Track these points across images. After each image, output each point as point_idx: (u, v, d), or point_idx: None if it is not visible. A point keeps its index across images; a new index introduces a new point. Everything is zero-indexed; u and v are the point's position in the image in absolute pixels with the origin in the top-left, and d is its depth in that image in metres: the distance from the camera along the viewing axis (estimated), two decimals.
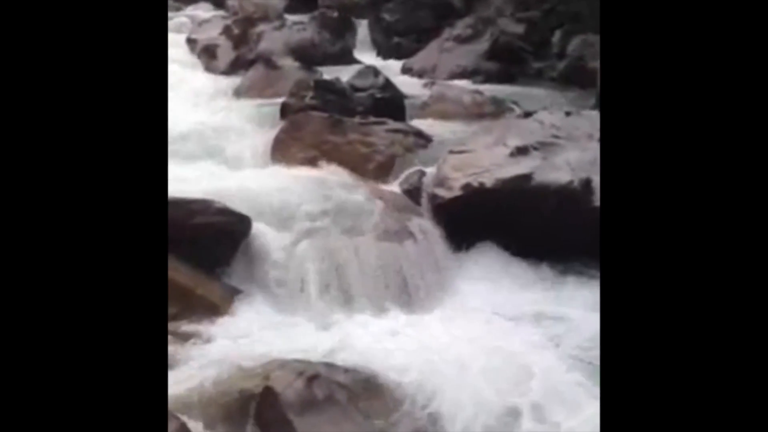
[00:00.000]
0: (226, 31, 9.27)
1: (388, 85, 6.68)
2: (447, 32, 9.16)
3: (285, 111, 6.32)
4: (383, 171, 5.31)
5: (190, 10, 12.27)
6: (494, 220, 4.54)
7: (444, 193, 4.68)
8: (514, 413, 3.14)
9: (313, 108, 6.08)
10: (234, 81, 7.89)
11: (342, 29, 9.72)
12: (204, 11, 12.01)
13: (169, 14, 9.96)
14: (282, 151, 5.60)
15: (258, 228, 4.32)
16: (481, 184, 4.62)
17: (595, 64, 7.64)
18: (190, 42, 9.50)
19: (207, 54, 8.93)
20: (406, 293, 4.13)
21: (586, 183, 4.58)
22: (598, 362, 3.45)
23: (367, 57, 9.39)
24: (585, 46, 8.31)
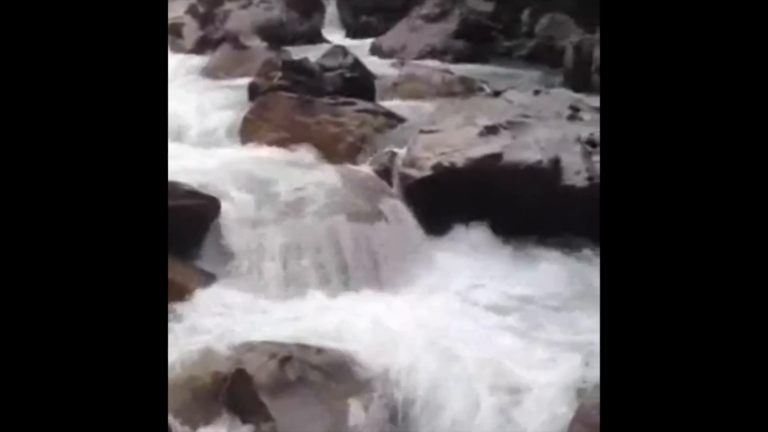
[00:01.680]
0: (192, 9, 9.12)
1: (358, 64, 6.64)
2: (415, 11, 9.12)
3: (253, 91, 6.25)
4: (353, 151, 5.28)
5: None
6: (465, 199, 4.55)
7: (415, 173, 4.68)
8: (486, 393, 3.16)
9: (282, 88, 6.02)
10: (200, 61, 7.78)
11: (310, 8, 9.63)
12: None
13: None
14: (251, 132, 5.55)
15: (227, 210, 4.28)
16: (452, 164, 4.63)
17: (564, 42, 7.68)
18: None
19: (172, 33, 8.77)
20: (378, 274, 4.13)
21: (555, 162, 4.61)
22: (568, 339, 3.53)
23: (335, 36, 9.33)
24: (554, 24, 8.34)
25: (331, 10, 10.22)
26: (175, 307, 3.74)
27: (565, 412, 2.96)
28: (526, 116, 5.08)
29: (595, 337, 2.01)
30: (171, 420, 2.92)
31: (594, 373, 2.83)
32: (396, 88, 6.67)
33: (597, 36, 6.66)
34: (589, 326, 3.49)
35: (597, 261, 3.90)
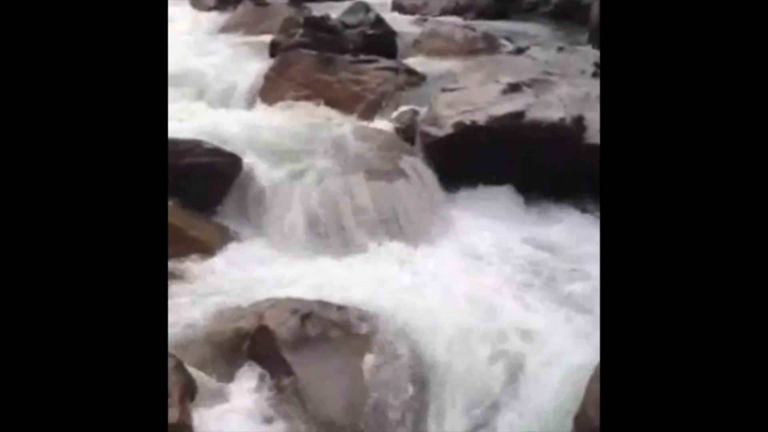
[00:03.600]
0: None
1: (379, 22, 6.57)
2: None
3: (274, 49, 6.22)
4: (374, 109, 5.26)
5: None
6: (487, 158, 4.52)
7: (436, 132, 4.65)
8: (502, 348, 3.18)
9: (303, 46, 5.99)
10: (222, 17, 7.74)
11: None
12: None
13: None
14: (272, 89, 5.54)
15: (249, 167, 4.30)
16: (474, 122, 4.59)
17: None
18: None
19: None
20: (399, 232, 4.14)
21: (579, 120, 4.55)
22: (584, 295, 3.52)
23: None
24: None
25: None
26: (198, 264, 3.79)
27: (579, 363, 2.97)
28: (549, 74, 5.02)
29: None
30: (195, 372, 2.98)
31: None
32: (418, 46, 6.59)
33: None
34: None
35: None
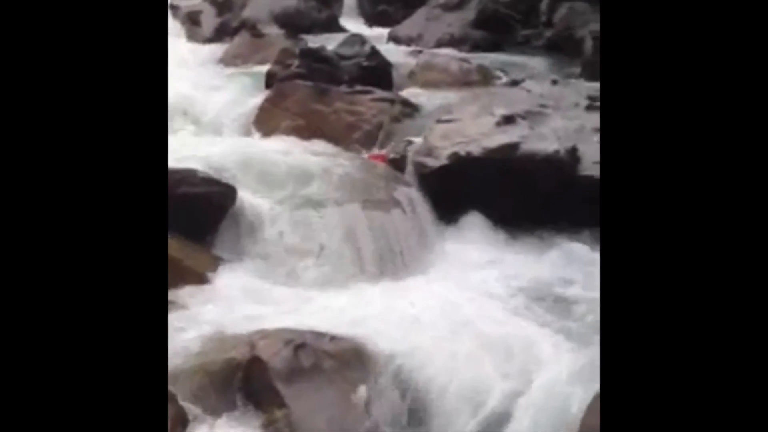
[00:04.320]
0: None
1: (375, 53, 6.62)
2: (434, 0, 9.07)
3: (270, 79, 6.26)
4: (369, 140, 5.28)
5: None
6: (481, 189, 4.53)
7: (431, 162, 4.67)
8: (497, 379, 3.16)
9: (299, 76, 6.02)
10: (218, 49, 7.79)
11: None
12: None
13: None
14: (267, 120, 5.56)
15: (243, 197, 4.30)
16: (468, 153, 4.61)
17: (583, 32, 7.61)
18: (173, 8, 9.33)
19: (190, 21, 8.80)
20: (392, 262, 4.13)
21: (572, 152, 4.58)
22: (576, 327, 3.51)
23: (353, 25, 9.29)
24: (572, 14, 8.25)
25: None
26: (191, 293, 3.77)
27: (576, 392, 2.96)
28: (543, 106, 5.05)
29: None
30: (186, 405, 2.95)
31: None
32: (413, 77, 6.64)
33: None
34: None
35: None
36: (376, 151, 5.14)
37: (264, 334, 3.33)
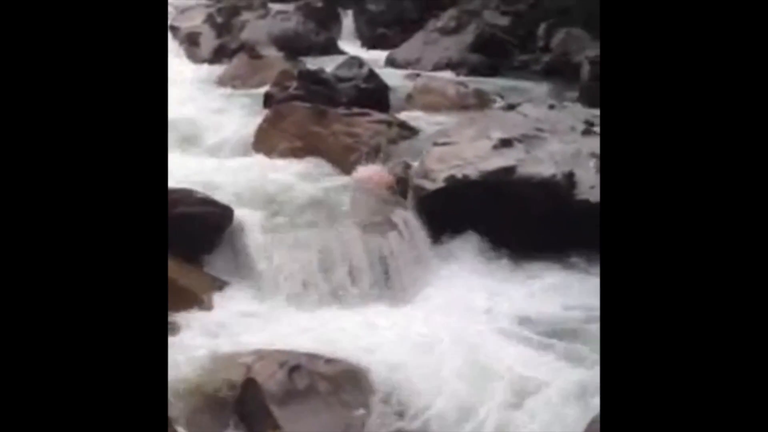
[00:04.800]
0: (209, 19, 9.21)
1: (373, 76, 6.66)
2: (432, 23, 9.15)
3: (268, 101, 6.29)
4: (367, 162, 5.29)
5: None
6: (478, 212, 4.54)
7: (428, 185, 4.68)
8: (493, 406, 3.15)
9: (297, 98, 6.05)
10: (217, 70, 7.83)
11: (326, 19, 9.68)
12: None
13: None
14: (265, 141, 5.58)
15: (240, 218, 4.30)
16: (465, 176, 4.62)
17: (579, 57, 7.67)
18: (173, 29, 9.40)
19: (189, 42, 8.86)
20: (389, 285, 4.13)
21: (569, 176, 4.59)
22: (574, 349, 3.51)
23: (351, 47, 9.36)
24: (569, 39, 8.33)
25: (348, 21, 10.26)
26: (187, 315, 3.76)
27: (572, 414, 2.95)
28: (540, 130, 5.07)
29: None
30: (180, 429, 2.93)
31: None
32: (411, 100, 6.68)
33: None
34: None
35: None
36: (370, 166, 5.13)
37: (259, 355, 3.32)
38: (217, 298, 3.96)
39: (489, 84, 7.45)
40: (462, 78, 7.72)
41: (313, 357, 3.31)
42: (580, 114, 5.50)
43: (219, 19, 9.13)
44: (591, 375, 3.14)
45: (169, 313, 3.68)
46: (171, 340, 3.48)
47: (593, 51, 7.55)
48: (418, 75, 7.69)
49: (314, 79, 6.41)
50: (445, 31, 8.87)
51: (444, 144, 4.99)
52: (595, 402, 2.80)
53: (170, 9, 10.81)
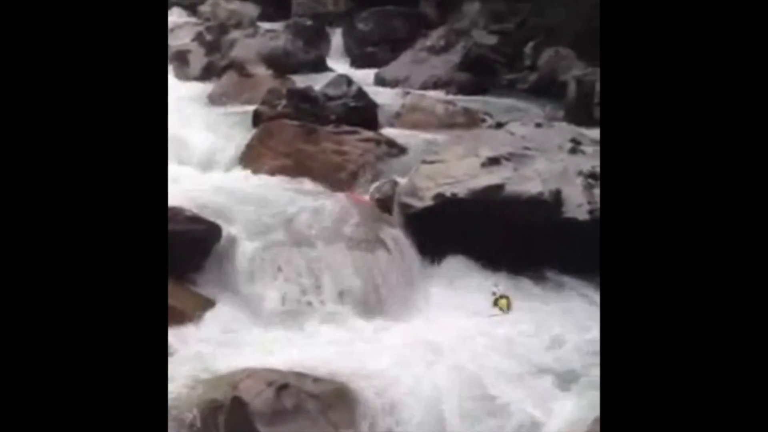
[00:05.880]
0: (199, 37, 9.21)
1: (361, 94, 6.68)
2: (420, 43, 9.19)
3: (257, 119, 6.29)
4: (355, 180, 5.30)
5: None
6: (466, 230, 4.55)
7: (416, 203, 4.69)
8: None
9: (286, 116, 6.06)
10: (206, 87, 7.83)
11: (315, 38, 9.71)
12: (176, 17, 11.90)
13: None
14: (254, 158, 5.58)
15: (228, 235, 4.29)
16: (453, 194, 4.64)
17: (566, 76, 7.73)
18: None
19: (178, 60, 8.86)
20: (378, 302, 4.12)
21: (557, 194, 4.62)
22: (563, 368, 3.51)
23: (340, 66, 9.39)
24: (556, 58, 8.39)
25: (337, 40, 10.30)
26: (174, 333, 3.73)
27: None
28: (527, 148, 5.10)
29: None
30: None
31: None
32: (399, 118, 6.70)
33: (599, 70, 6.70)
34: None
35: (596, 299, 3.89)
36: (359, 191, 5.15)
37: (246, 374, 3.30)
38: (204, 315, 3.94)
39: (477, 102, 7.49)
40: (450, 96, 7.76)
41: (301, 376, 3.30)
42: (567, 132, 5.54)
43: (208, 37, 9.14)
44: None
45: None
46: None
47: (580, 70, 7.62)
48: (406, 93, 7.71)
49: (303, 97, 6.43)
50: (434, 50, 8.93)
51: (432, 162, 5.01)
52: None
53: None
